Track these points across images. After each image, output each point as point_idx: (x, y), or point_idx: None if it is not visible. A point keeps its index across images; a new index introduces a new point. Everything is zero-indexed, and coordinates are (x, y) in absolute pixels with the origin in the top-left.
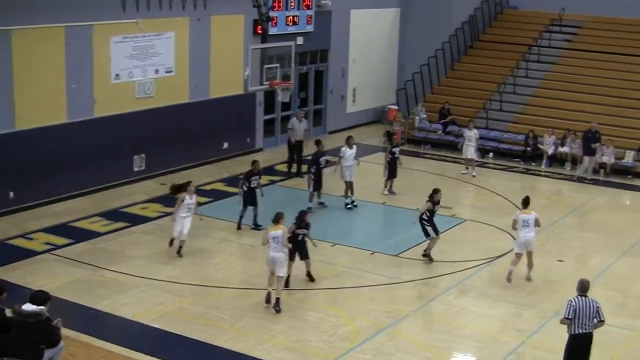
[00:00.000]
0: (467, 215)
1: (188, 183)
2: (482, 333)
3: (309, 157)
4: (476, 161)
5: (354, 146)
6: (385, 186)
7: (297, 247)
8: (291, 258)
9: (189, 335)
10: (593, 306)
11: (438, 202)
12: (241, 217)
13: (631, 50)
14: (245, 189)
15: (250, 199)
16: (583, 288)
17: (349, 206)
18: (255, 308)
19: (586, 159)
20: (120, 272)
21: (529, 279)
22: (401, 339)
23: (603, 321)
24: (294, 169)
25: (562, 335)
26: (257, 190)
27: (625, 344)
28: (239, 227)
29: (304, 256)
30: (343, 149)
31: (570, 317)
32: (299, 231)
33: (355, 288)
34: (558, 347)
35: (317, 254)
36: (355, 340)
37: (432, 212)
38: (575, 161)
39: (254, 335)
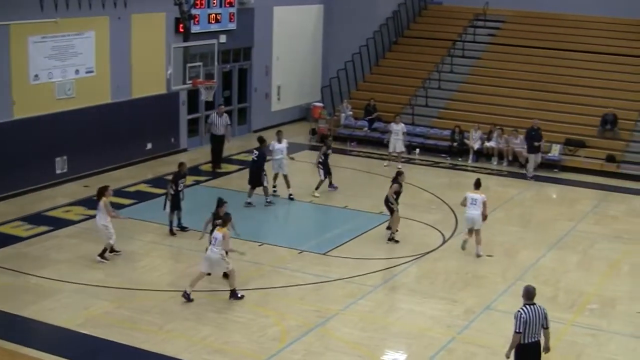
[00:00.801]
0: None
1: (106, 187)
2: (413, 329)
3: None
4: (403, 157)
5: (284, 141)
6: (317, 188)
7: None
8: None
9: (117, 339)
10: (541, 313)
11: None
12: (171, 221)
13: (555, 44)
14: (172, 192)
15: (176, 203)
16: (530, 295)
17: (289, 198)
18: (183, 310)
19: (531, 157)
20: (45, 277)
21: (478, 255)
22: (331, 338)
23: (547, 328)
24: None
25: (492, 331)
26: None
27: (556, 337)
28: (172, 233)
29: None
30: (272, 142)
31: (521, 330)
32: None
33: (284, 288)
34: (489, 342)
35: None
36: (285, 341)
37: (398, 194)
38: (501, 156)
39: (183, 338)
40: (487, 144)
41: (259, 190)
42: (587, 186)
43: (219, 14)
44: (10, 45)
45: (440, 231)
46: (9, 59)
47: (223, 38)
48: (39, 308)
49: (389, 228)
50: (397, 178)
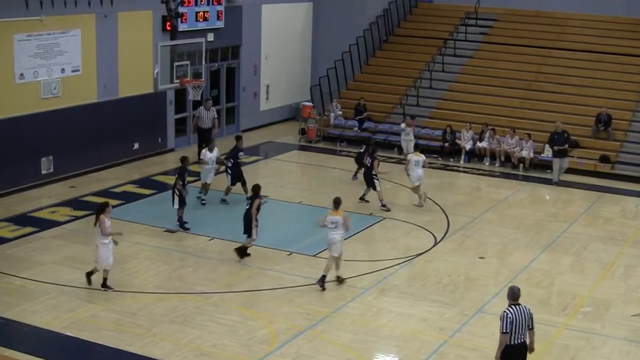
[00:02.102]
0: (384, 213)
1: (107, 204)
2: (404, 333)
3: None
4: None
5: (215, 150)
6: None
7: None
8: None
9: (103, 342)
10: (527, 313)
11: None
12: (180, 217)
13: (548, 42)
14: (180, 187)
15: (183, 198)
16: (515, 296)
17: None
18: (171, 313)
19: (555, 161)
20: (30, 279)
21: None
22: (321, 341)
23: (532, 329)
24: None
25: (484, 334)
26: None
27: (548, 341)
28: (185, 229)
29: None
30: (204, 151)
31: (508, 330)
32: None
33: (273, 290)
34: (481, 345)
35: (232, 256)
36: (274, 344)
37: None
38: (494, 156)
39: (170, 341)
40: (479, 144)
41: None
42: (581, 187)
43: (207, 11)
44: None
45: (431, 232)
46: None
47: (211, 36)
48: (23, 310)
49: (362, 199)
50: (373, 154)
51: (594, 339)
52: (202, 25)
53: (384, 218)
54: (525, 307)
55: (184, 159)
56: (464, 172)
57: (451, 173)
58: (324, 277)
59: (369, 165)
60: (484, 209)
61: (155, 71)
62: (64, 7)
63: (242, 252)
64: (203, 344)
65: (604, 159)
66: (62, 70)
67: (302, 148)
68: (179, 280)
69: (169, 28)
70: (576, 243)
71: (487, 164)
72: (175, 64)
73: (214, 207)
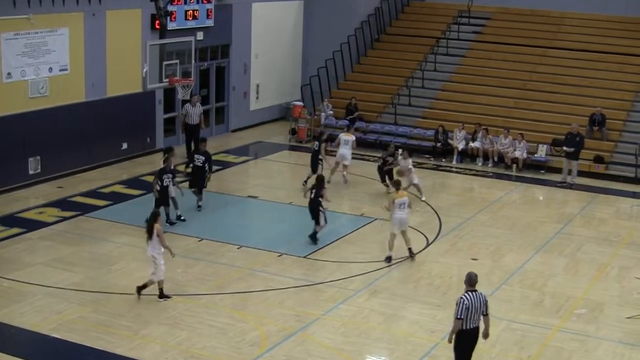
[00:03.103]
0: (376, 214)
1: (158, 213)
2: (395, 335)
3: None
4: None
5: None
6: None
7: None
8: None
9: (91, 344)
10: (482, 300)
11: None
12: (167, 214)
13: (541, 42)
14: (158, 187)
15: (163, 199)
16: (472, 282)
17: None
18: (159, 314)
19: (564, 162)
20: (17, 280)
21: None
22: (312, 343)
23: (487, 315)
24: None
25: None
26: (172, 188)
27: (542, 343)
28: (172, 223)
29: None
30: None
31: (462, 316)
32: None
33: (263, 292)
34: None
35: (222, 257)
36: (265, 346)
37: (385, 162)
38: (487, 156)
39: (159, 343)
40: (472, 144)
41: (230, 190)
42: (575, 187)
43: (197, 10)
44: None
45: (423, 234)
46: None
47: (200, 35)
48: (11, 311)
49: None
50: (327, 142)
51: (588, 342)
52: (191, 24)
53: (375, 219)
54: (481, 293)
55: (165, 160)
56: (457, 172)
57: (443, 173)
58: (390, 256)
59: (316, 148)
60: (477, 210)
61: (144, 70)
62: (52, 5)
63: None
64: (192, 346)
65: (598, 160)
66: (50, 69)
67: (293, 148)
68: (168, 281)
69: (158, 27)
70: (570, 244)
71: (480, 164)
72: (164, 63)
73: (205, 209)
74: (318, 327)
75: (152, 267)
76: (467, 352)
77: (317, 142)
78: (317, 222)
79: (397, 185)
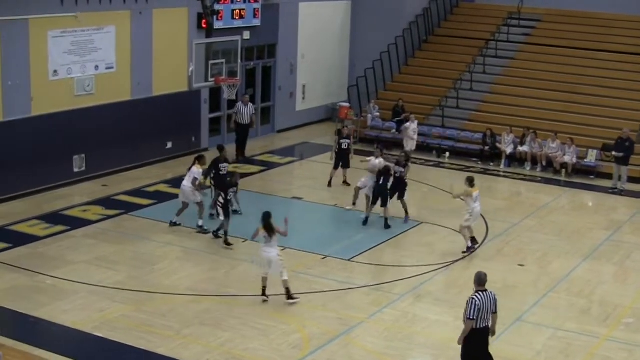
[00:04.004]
0: (422, 217)
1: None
2: (439, 340)
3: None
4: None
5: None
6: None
7: None
8: None
9: (132, 343)
10: (492, 299)
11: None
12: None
13: (591, 44)
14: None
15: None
16: (481, 282)
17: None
18: (202, 315)
19: (614, 168)
20: (60, 278)
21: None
22: (354, 347)
23: (496, 313)
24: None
25: (522, 343)
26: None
27: (588, 352)
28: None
29: None
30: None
31: (474, 317)
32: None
33: (306, 294)
34: (518, 355)
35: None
36: (307, 349)
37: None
38: (535, 161)
39: (201, 344)
40: (520, 148)
41: (275, 191)
42: (625, 194)
43: (243, 9)
44: (30, 40)
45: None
46: (29, 54)
47: (247, 34)
48: (53, 309)
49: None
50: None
51: (636, 351)
52: (238, 23)
53: (421, 223)
54: (491, 292)
55: (221, 149)
56: (504, 176)
57: (491, 177)
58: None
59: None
60: (524, 215)
61: (190, 69)
62: (99, 3)
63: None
64: (234, 348)
65: None
66: (96, 67)
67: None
68: (210, 282)
69: (204, 26)
70: (619, 251)
71: (529, 168)
72: (211, 62)
73: (249, 210)
74: (361, 330)
75: (277, 268)
76: (482, 350)
77: (347, 141)
78: (385, 205)
79: (470, 181)
